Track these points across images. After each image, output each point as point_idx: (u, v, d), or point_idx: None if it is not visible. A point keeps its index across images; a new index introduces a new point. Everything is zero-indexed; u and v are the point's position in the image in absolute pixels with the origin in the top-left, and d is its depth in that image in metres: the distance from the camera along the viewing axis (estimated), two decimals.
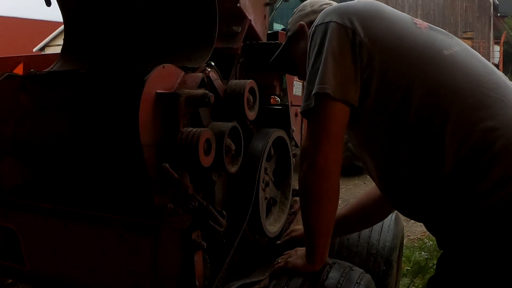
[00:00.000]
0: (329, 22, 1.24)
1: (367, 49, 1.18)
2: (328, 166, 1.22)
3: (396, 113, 1.17)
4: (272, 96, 2.13)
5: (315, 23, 1.30)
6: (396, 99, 1.16)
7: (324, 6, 1.47)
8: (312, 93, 1.20)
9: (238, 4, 1.77)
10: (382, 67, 1.18)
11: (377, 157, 1.27)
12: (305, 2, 1.59)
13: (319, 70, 1.20)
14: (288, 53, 1.61)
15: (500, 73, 1.22)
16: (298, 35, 1.52)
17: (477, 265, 1.06)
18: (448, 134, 1.09)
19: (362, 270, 1.56)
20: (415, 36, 1.22)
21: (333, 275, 1.44)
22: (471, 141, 1.07)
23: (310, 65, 1.26)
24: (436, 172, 1.10)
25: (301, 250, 1.46)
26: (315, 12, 1.45)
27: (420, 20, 1.30)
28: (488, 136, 1.06)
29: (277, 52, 1.66)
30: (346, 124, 1.23)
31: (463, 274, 1.09)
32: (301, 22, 1.51)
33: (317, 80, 1.20)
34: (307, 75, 1.27)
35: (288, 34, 1.59)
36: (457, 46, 1.23)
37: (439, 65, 1.16)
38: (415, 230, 4.68)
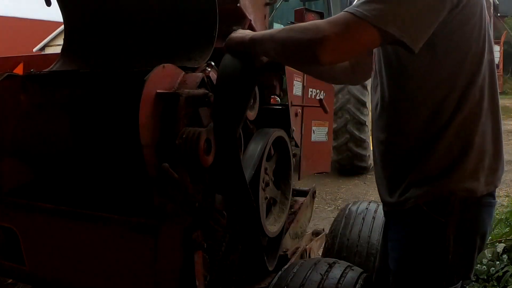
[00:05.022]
0: None
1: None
2: (338, 48, 1.12)
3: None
4: (272, 96, 2.12)
5: None
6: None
7: None
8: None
9: (238, 4, 1.77)
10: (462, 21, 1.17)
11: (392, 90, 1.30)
12: None
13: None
14: None
15: None
16: None
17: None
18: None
19: (362, 270, 1.57)
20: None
21: (333, 275, 1.44)
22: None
23: None
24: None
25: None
26: None
27: None
28: None
29: None
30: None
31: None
32: None
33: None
34: None
35: None
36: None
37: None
38: None
